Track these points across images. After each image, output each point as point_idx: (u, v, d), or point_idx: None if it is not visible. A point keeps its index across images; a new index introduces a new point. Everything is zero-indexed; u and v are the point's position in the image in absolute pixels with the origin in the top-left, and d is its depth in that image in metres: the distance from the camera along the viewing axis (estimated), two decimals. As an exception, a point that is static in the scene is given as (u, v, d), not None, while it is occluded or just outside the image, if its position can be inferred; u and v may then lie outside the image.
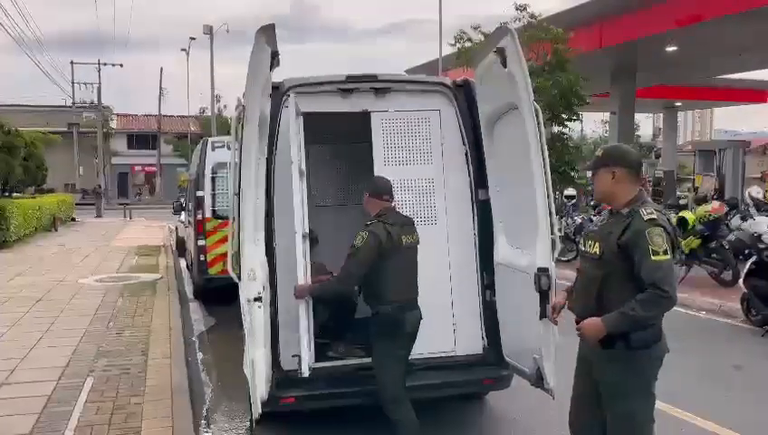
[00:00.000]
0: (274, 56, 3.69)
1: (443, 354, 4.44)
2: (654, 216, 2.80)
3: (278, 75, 4.13)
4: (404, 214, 4.11)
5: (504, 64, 3.74)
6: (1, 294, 9.01)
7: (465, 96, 4.61)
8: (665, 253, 2.73)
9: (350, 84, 4.56)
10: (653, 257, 2.71)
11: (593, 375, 3.01)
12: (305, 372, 3.79)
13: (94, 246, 15.77)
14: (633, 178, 2.95)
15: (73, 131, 39.42)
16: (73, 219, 24.48)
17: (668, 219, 2.88)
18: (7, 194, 20.48)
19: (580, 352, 3.12)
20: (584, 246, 3.06)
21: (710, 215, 9.85)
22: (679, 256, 10.36)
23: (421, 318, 3.92)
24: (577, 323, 2.98)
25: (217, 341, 7.38)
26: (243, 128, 3.55)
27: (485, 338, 4.48)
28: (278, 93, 4.31)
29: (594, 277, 2.93)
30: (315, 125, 4.58)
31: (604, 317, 2.81)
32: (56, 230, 19.81)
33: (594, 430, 3.04)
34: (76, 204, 27.16)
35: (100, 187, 33.43)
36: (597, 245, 2.94)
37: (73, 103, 41.48)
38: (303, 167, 4.41)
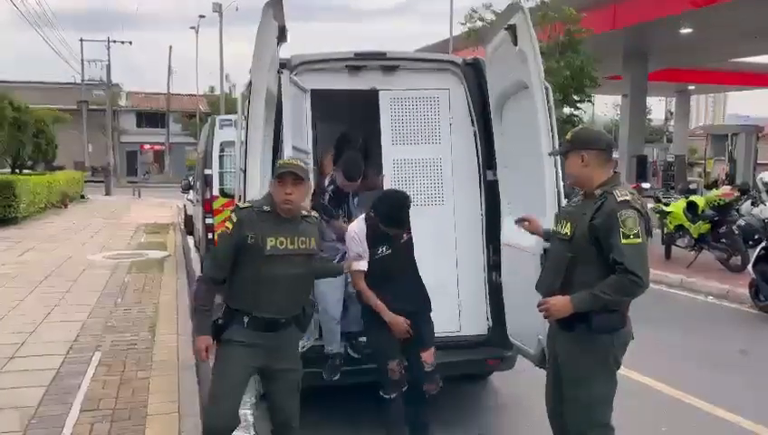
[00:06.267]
0: (282, 31, 3.64)
1: (448, 334, 4.43)
2: (627, 198, 2.72)
3: (283, 54, 4.07)
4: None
5: (515, 42, 3.68)
6: (11, 270, 9.08)
7: (474, 75, 4.55)
8: (636, 236, 2.64)
9: (359, 61, 4.51)
10: (623, 241, 2.63)
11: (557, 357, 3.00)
12: None
13: (103, 224, 15.86)
14: (603, 160, 2.88)
15: (83, 109, 39.45)
16: (83, 197, 24.58)
17: (643, 204, 2.79)
18: (17, 171, 20.56)
19: (548, 334, 3.08)
20: (555, 225, 2.99)
21: (720, 200, 9.78)
22: (688, 241, 10.33)
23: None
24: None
25: (224, 318, 7.43)
26: (250, 103, 3.52)
27: (490, 319, 4.47)
28: (285, 69, 4.26)
29: (562, 258, 2.86)
30: (322, 103, 4.54)
31: (573, 296, 2.73)
32: (66, 207, 19.91)
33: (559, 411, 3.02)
34: (85, 181, 27.25)
35: (109, 164, 33.53)
36: (568, 225, 2.85)
37: (83, 81, 41.46)
38: (309, 145, 4.38)
